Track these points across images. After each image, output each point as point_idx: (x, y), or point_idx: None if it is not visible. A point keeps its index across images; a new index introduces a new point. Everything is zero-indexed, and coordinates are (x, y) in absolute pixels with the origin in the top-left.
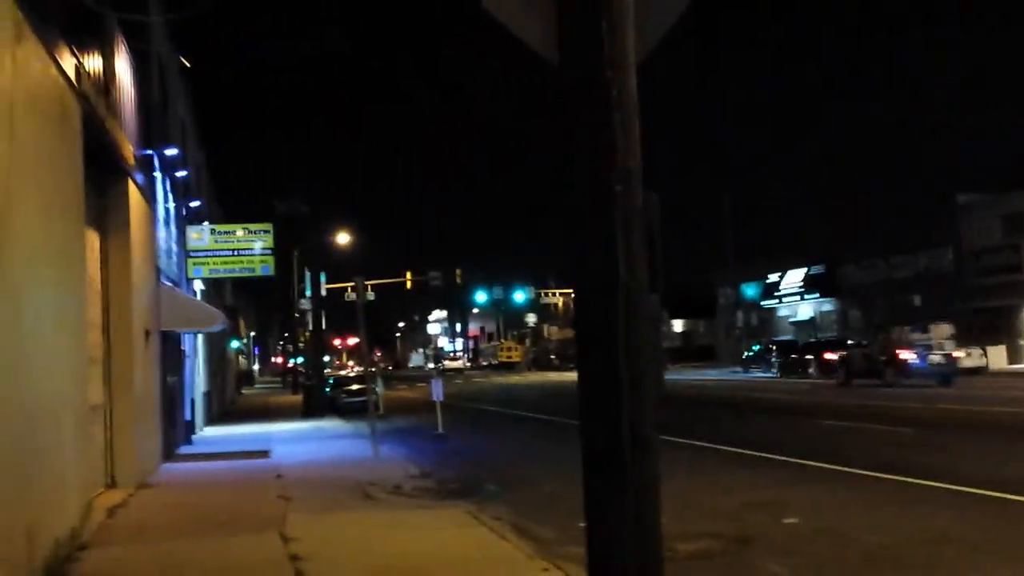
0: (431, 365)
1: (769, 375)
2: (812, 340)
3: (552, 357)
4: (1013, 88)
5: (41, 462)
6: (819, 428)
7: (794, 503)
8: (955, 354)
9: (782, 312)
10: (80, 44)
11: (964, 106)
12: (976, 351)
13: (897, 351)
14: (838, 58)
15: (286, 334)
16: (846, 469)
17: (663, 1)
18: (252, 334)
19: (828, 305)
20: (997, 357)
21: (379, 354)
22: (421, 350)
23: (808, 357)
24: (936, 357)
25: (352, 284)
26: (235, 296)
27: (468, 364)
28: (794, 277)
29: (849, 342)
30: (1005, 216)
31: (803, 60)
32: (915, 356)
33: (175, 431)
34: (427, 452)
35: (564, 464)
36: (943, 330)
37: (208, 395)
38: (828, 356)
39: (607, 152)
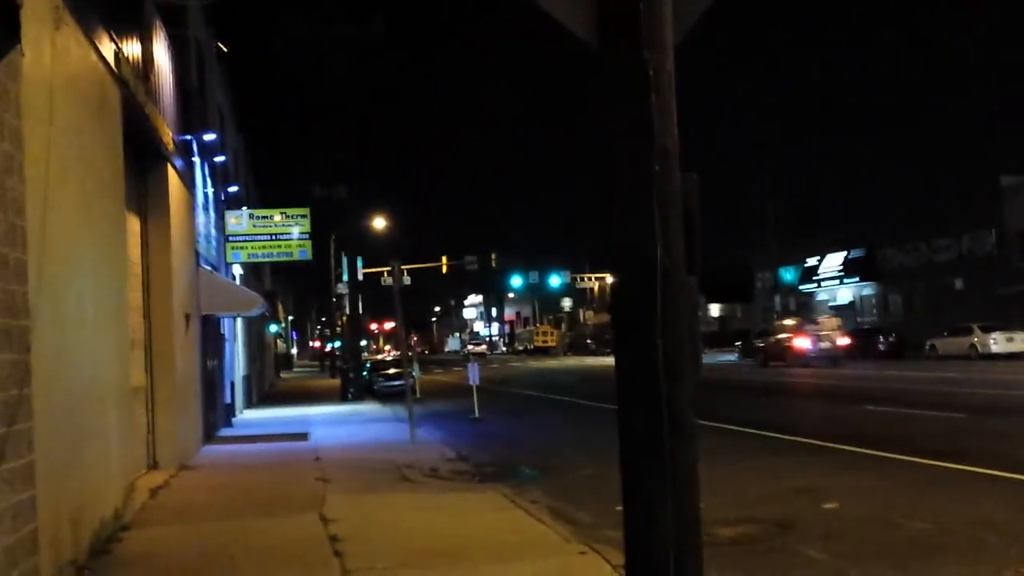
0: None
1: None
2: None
3: (588, 341)
4: None
5: (85, 444)
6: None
7: (833, 489)
8: (839, 341)
9: (821, 296)
10: (119, 30)
11: (1007, 88)
12: (1019, 335)
13: (793, 339)
14: (876, 38)
15: (323, 319)
16: (881, 454)
17: None
18: (290, 318)
19: (868, 289)
20: None
21: (415, 338)
22: (457, 334)
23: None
24: (825, 344)
25: (388, 268)
26: (273, 281)
27: (503, 349)
28: (833, 261)
29: (790, 324)
30: None
31: (841, 39)
32: (808, 343)
33: (215, 414)
34: (463, 436)
35: (600, 448)
36: (832, 322)
37: (247, 379)
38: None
39: (644, 133)
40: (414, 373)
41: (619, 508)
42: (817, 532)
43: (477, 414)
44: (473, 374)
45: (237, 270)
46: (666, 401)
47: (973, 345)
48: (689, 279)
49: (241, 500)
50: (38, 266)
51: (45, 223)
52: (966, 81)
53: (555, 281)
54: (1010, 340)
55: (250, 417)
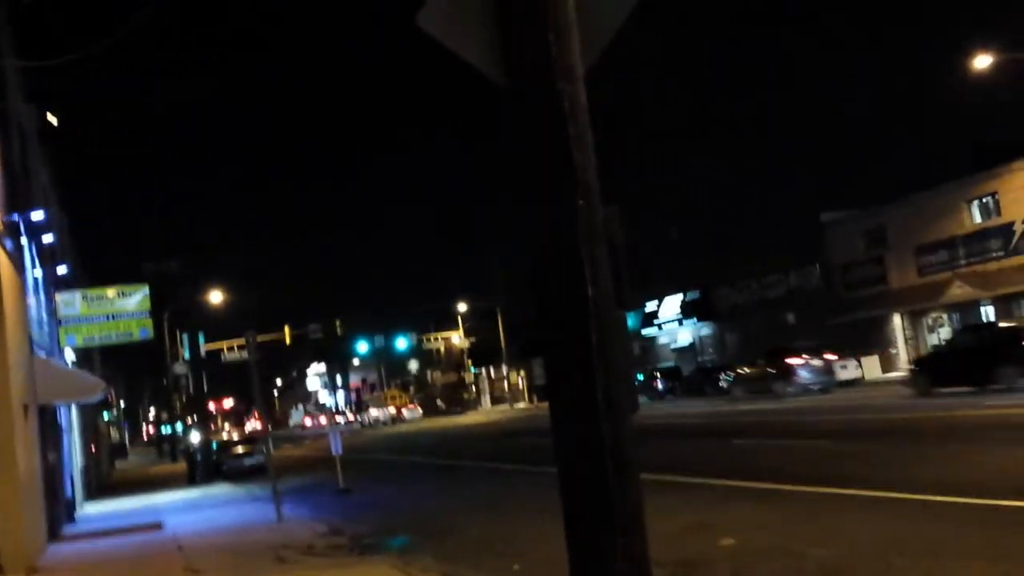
0: (308, 422)
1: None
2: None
3: (438, 402)
4: (871, 108)
5: None
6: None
7: (723, 523)
8: None
9: (663, 340)
10: None
11: (823, 126)
12: (852, 363)
13: None
14: (701, 76)
15: (152, 407)
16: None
17: (606, 9)
18: (122, 404)
19: (706, 329)
20: (871, 367)
21: (257, 414)
22: (301, 406)
23: None
24: None
25: (227, 344)
26: (103, 364)
27: (351, 418)
28: (671, 304)
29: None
30: (867, 231)
31: (669, 74)
32: None
33: (58, 510)
34: (332, 508)
35: (479, 507)
36: None
37: (85, 470)
38: None
39: (565, 168)
40: (269, 449)
41: (516, 567)
42: (724, 570)
43: (343, 485)
44: (336, 444)
45: (69, 355)
46: (609, 440)
47: None
48: (619, 313)
49: None
50: None
51: None
52: (782, 120)
53: (401, 344)
54: (844, 368)
55: (93, 511)
